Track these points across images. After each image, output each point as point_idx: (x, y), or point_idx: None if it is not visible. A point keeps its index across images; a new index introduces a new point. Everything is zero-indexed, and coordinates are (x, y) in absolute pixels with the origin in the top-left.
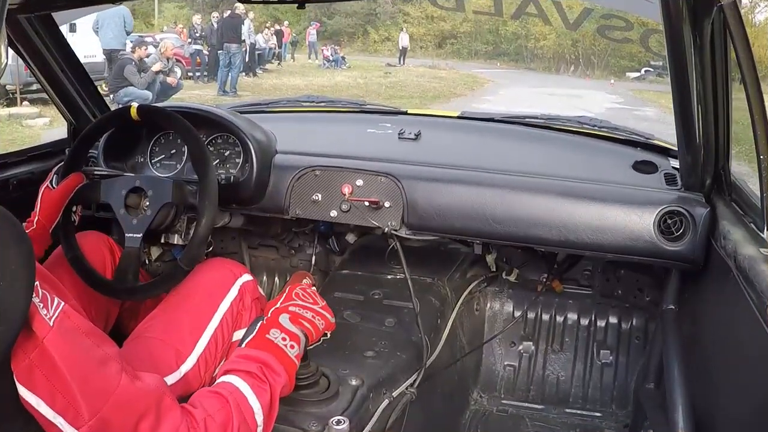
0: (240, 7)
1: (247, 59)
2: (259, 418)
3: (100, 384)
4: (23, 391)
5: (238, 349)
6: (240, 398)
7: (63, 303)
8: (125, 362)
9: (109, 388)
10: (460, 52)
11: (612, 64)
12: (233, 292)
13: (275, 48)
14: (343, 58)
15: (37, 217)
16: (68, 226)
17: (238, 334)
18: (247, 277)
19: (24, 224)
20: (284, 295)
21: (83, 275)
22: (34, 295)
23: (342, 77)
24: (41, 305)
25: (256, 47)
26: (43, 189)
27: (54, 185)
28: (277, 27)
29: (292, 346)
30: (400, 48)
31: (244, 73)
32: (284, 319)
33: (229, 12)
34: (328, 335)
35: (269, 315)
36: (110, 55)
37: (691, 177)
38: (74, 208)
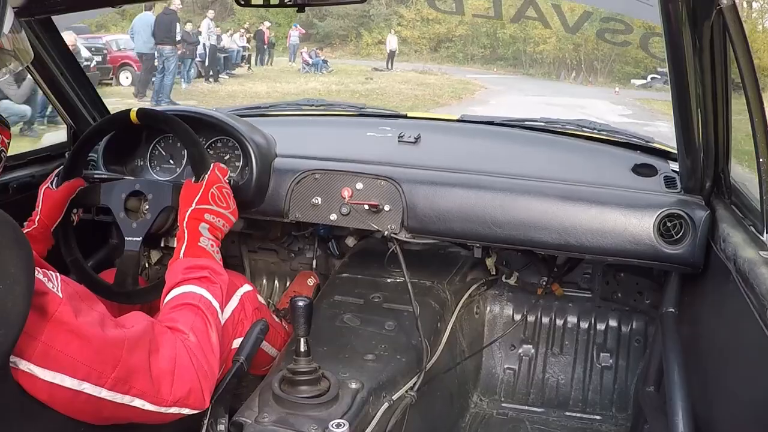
0: (176, 2)
1: (206, 62)
2: (220, 315)
3: (109, 338)
4: (43, 373)
5: (180, 260)
6: (205, 302)
7: (57, 272)
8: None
9: (117, 340)
10: (455, 56)
11: (616, 71)
12: (234, 301)
13: (247, 51)
14: (325, 61)
15: (39, 216)
16: (68, 229)
17: (237, 342)
18: (247, 287)
19: (26, 223)
20: (202, 190)
21: (82, 278)
22: (36, 272)
23: (316, 83)
24: (46, 280)
25: (225, 49)
26: (43, 189)
27: (54, 187)
28: (259, 27)
29: (217, 251)
30: (388, 51)
31: (204, 79)
32: (204, 229)
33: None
34: None
35: (188, 220)
36: (142, 58)
37: (690, 180)
38: (74, 211)
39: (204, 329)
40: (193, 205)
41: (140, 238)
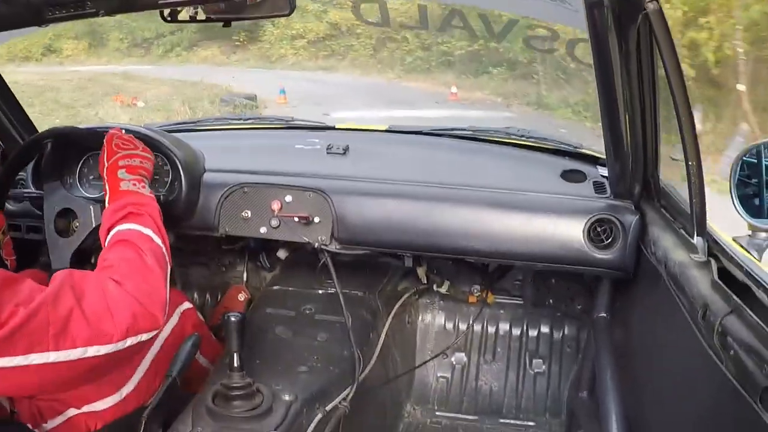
0: None
1: None
2: (157, 239)
3: (34, 306)
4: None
5: (105, 209)
6: (133, 233)
7: None
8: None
9: (40, 303)
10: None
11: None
12: (174, 319)
13: None
14: None
15: None
16: None
17: None
18: (186, 305)
19: None
20: (105, 149)
21: None
22: None
23: None
24: None
25: None
26: None
27: None
28: None
29: (143, 187)
30: None
31: None
32: (123, 174)
33: None
34: None
35: (106, 175)
36: None
37: (619, 185)
38: (2, 231)
39: (135, 256)
40: (105, 162)
41: (68, 256)
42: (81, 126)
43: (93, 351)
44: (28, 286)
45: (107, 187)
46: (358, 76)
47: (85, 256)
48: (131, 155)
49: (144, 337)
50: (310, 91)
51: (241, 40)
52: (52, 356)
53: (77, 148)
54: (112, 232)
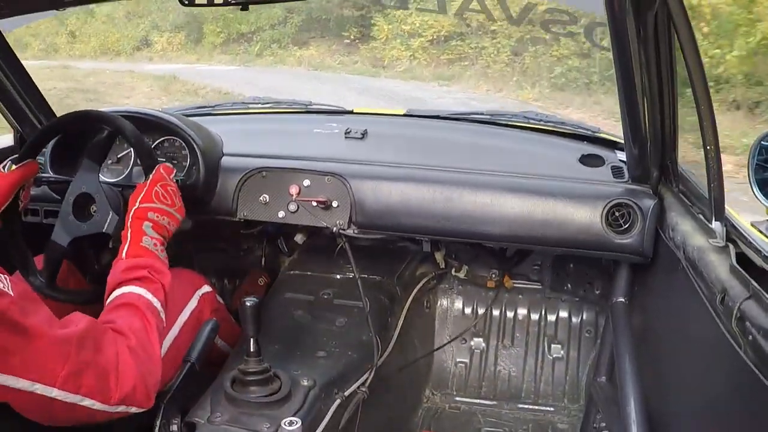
0: None
1: None
2: (163, 314)
3: (58, 336)
4: None
5: (121, 261)
6: (144, 302)
7: (5, 273)
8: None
9: (66, 337)
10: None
11: None
12: (193, 303)
13: None
14: None
15: None
16: (14, 214)
17: None
18: (206, 288)
19: None
20: (146, 188)
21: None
22: None
23: None
24: None
25: None
26: None
27: (5, 170)
28: None
29: (162, 250)
30: None
31: None
32: (148, 228)
33: None
34: None
35: (131, 219)
36: None
37: (638, 169)
38: (22, 191)
39: (142, 328)
40: (137, 204)
41: (70, 237)
42: (104, 110)
43: (88, 402)
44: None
45: (129, 233)
46: (486, 92)
47: (104, 240)
48: (165, 212)
49: (133, 410)
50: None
51: (352, 37)
52: (54, 392)
53: (93, 133)
54: (123, 290)
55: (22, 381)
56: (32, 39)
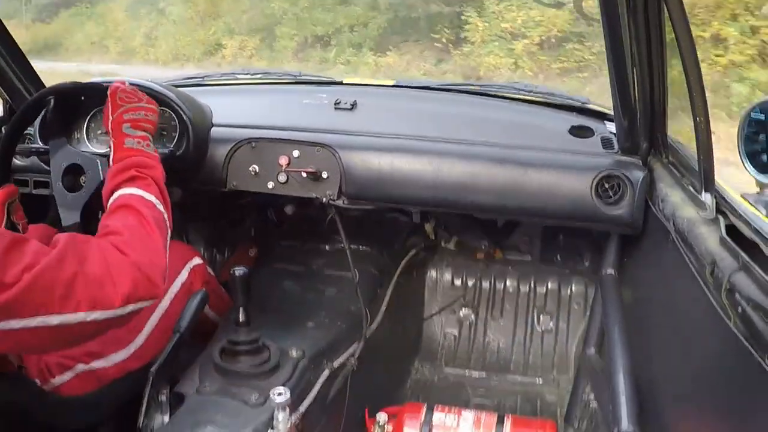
0: None
1: None
2: (160, 205)
3: (40, 269)
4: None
5: (109, 170)
6: (136, 198)
7: None
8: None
9: (46, 265)
10: None
11: None
12: (183, 275)
13: None
14: None
15: None
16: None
17: None
18: (197, 260)
19: None
20: (109, 103)
21: None
22: None
23: None
24: None
25: None
26: None
27: None
28: None
29: (147, 145)
30: None
31: None
32: (127, 128)
33: None
34: None
35: (111, 129)
36: None
37: (627, 140)
38: (13, 217)
39: (137, 223)
40: (110, 117)
41: (78, 212)
42: (92, 81)
43: (95, 315)
44: (33, 248)
45: (112, 142)
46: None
47: (93, 212)
48: (136, 108)
49: (144, 304)
50: None
51: (444, 40)
52: (56, 319)
53: (83, 103)
54: (115, 195)
55: (22, 321)
56: (112, 42)
